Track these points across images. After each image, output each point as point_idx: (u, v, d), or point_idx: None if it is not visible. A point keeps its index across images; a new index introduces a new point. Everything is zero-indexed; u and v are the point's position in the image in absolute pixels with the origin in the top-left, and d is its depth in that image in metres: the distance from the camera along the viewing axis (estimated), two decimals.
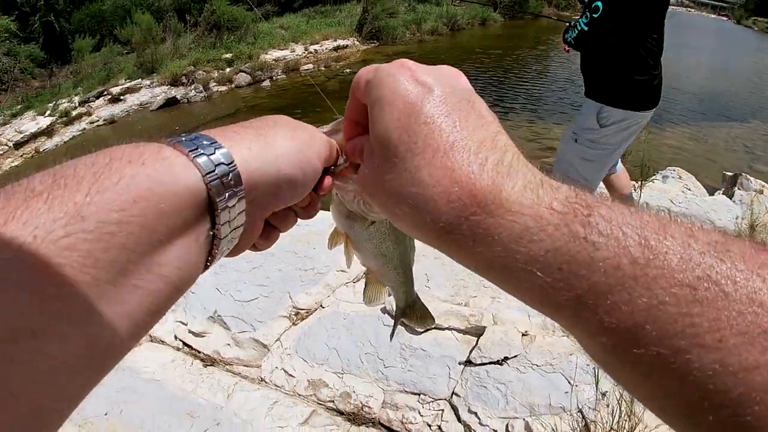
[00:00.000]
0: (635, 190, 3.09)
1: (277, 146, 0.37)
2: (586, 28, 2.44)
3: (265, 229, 0.42)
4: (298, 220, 0.47)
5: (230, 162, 0.32)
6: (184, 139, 0.32)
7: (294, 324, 2.65)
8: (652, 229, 0.27)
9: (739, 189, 3.98)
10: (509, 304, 2.51)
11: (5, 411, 0.22)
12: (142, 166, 0.28)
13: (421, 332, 2.36)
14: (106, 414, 2.35)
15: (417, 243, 0.58)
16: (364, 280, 0.58)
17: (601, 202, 0.30)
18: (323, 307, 2.69)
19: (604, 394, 1.95)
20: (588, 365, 2.03)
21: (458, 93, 0.35)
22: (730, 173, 4.32)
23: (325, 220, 3.62)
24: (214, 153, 0.31)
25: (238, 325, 2.68)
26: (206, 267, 0.34)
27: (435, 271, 2.75)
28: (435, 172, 0.31)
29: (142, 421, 2.27)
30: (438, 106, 0.34)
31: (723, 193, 4.06)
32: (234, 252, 0.38)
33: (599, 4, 2.30)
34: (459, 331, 2.35)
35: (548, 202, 0.30)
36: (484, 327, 2.31)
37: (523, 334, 2.25)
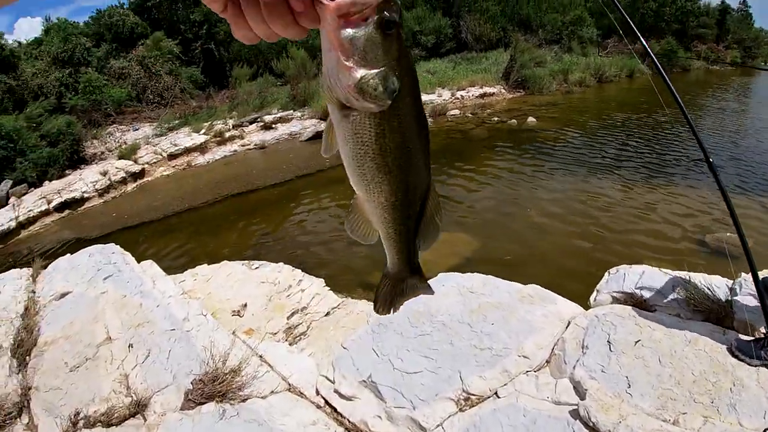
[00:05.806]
0: None
1: None
2: None
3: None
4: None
5: None
6: None
7: (461, 410, 2.30)
8: None
9: None
10: (725, 427, 2.00)
11: None
12: None
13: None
14: None
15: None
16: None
17: None
18: (498, 397, 2.32)
19: None
20: None
21: None
22: None
23: (503, 291, 3.18)
24: None
25: (396, 398, 2.39)
26: None
27: (637, 375, 2.28)
28: None
29: None
30: None
31: None
32: None
33: None
34: None
35: None
36: None
37: None
